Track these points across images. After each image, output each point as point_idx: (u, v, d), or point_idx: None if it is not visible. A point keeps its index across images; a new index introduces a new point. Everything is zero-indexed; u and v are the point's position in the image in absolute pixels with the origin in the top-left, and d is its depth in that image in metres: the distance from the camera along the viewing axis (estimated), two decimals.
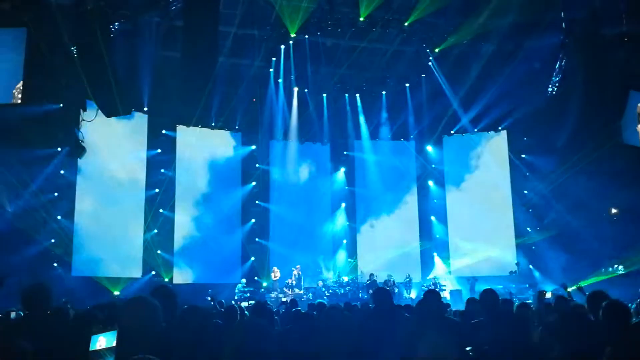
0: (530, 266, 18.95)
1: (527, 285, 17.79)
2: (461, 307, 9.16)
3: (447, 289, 18.54)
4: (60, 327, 4.04)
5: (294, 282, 18.06)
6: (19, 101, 13.17)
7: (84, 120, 15.20)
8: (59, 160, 15.02)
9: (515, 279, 18.73)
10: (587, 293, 5.62)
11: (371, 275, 18.71)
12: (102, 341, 2.68)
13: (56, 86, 13.90)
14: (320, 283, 18.59)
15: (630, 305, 6.85)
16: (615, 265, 16.41)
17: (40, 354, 2.95)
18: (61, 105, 14.16)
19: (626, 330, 3.92)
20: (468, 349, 4.23)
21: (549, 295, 12.13)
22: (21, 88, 13.51)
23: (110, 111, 14.12)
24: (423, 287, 18.38)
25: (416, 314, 4.96)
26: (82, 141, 15.15)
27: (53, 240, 15.02)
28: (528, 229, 19.61)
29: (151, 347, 2.45)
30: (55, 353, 3.26)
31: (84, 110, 15.16)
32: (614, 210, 17.40)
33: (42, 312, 4.04)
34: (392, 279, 18.50)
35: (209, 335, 3.56)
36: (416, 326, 4.03)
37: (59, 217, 15.42)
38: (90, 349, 2.63)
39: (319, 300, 16.34)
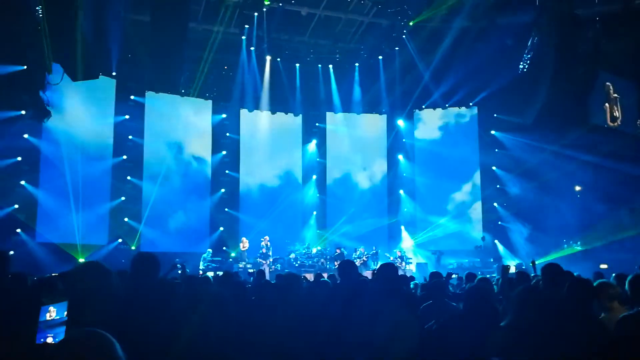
0: (496, 241, 19.32)
1: (492, 260, 18.16)
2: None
3: (414, 262, 18.81)
4: (15, 294, 3.92)
5: (263, 252, 18.05)
6: None
7: (49, 83, 14.75)
8: (22, 123, 14.56)
9: (481, 253, 19.10)
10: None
11: (338, 247, 18.83)
12: (52, 312, 2.59)
13: (19, 47, 13.40)
14: (292, 255, 18.62)
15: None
16: (578, 242, 16.84)
17: None
18: (25, 67, 13.66)
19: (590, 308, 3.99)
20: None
21: (512, 269, 12.42)
22: None
23: (76, 75, 13.76)
24: (390, 260, 18.60)
25: (373, 288, 4.94)
26: (48, 104, 14.72)
27: (16, 206, 14.66)
28: (495, 204, 19.94)
29: (103, 316, 2.38)
30: (4, 322, 3.14)
31: (50, 73, 14.69)
32: (577, 188, 17.76)
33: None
34: (365, 253, 18.64)
35: (170, 306, 3.50)
36: (373, 302, 3.98)
37: (22, 182, 15.05)
38: (40, 319, 2.54)
39: (287, 270, 16.44)
